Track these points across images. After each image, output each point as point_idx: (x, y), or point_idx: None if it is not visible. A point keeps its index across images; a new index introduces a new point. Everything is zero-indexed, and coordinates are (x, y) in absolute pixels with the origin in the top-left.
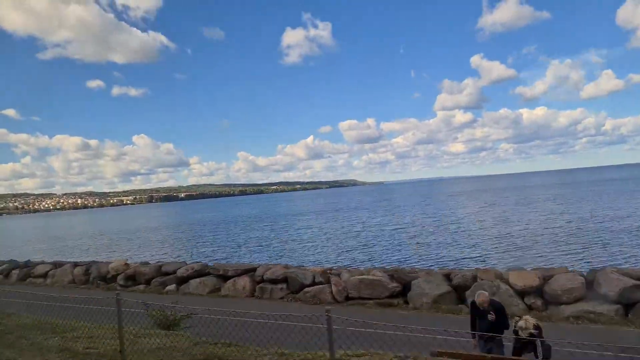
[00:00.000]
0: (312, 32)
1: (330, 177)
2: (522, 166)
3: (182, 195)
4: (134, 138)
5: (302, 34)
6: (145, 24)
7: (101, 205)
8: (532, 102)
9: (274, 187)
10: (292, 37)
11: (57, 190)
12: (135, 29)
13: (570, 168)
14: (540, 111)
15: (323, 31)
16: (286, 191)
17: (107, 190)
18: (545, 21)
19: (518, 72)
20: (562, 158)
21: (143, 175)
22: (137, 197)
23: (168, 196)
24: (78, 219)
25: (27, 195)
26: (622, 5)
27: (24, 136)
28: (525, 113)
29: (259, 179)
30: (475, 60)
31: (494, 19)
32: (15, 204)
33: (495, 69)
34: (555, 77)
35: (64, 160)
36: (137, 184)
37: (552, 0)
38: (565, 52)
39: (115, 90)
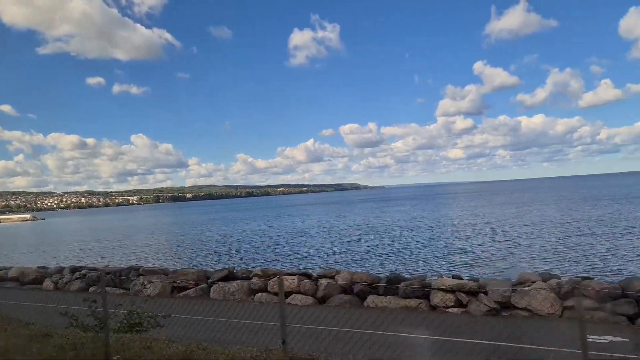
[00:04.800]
0: (320, 33)
1: (329, 180)
2: (517, 173)
3: (189, 195)
4: (133, 137)
5: (309, 35)
6: (149, 20)
7: (106, 205)
8: (532, 110)
9: (280, 189)
10: (299, 38)
11: (51, 188)
12: (139, 25)
13: (563, 176)
14: (538, 119)
15: (331, 33)
16: (292, 193)
17: (102, 190)
18: (551, 29)
19: (520, 80)
20: (556, 166)
21: (140, 175)
22: (143, 197)
23: (175, 196)
24: (134, 219)
25: (26, 193)
26: (625, 16)
27: (18, 133)
28: (523, 120)
29: (257, 181)
30: (478, 66)
31: (502, 25)
32: (16, 202)
33: (498, 76)
34: (555, 85)
35: (58, 159)
36: (133, 184)
37: (559, 8)
38: (566, 61)
39: (116, 88)
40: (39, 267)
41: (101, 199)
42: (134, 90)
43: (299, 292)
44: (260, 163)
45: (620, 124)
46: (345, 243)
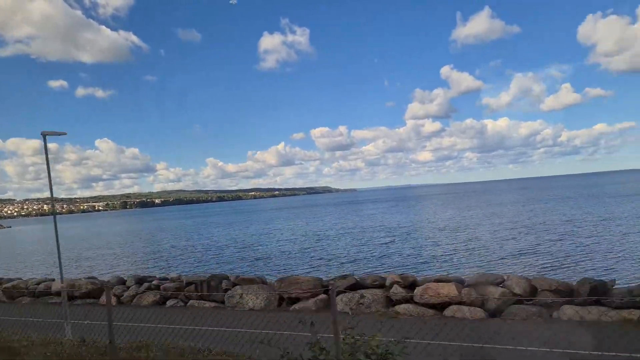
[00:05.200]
0: (290, 37)
1: (300, 184)
2: (484, 175)
3: (158, 201)
4: (97, 142)
5: (279, 39)
6: (115, 22)
7: (70, 212)
8: (497, 113)
9: (252, 193)
10: (269, 42)
11: (10, 195)
12: (104, 27)
13: (528, 177)
14: (503, 122)
15: (301, 37)
16: (264, 197)
17: (65, 196)
18: (514, 35)
19: (485, 84)
20: (521, 167)
21: (105, 181)
22: (109, 203)
23: (143, 202)
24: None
25: None
26: (583, 22)
27: None
28: (489, 123)
29: (228, 185)
30: (445, 71)
31: (467, 31)
32: None
33: (464, 80)
34: (518, 89)
35: (19, 165)
36: (98, 190)
37: (522, 15)
38: (529, 66)
39: (80, 91)
40: (88, 278)
41: (65, 206)
42: (99, 93)
43: (460, 303)
44: (231, 167)
45: (579, 126)
46: (382, 245)
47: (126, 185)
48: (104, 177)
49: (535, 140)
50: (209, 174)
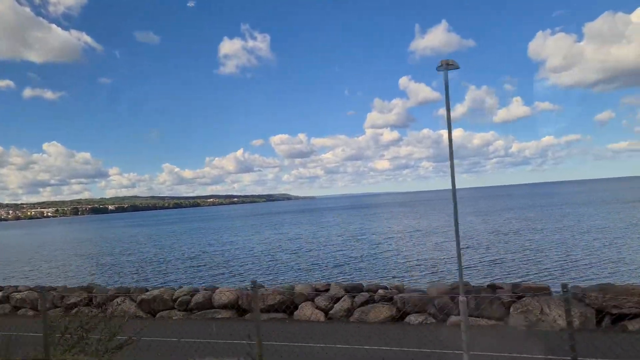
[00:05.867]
0: (250, 43)
1: (259, 190)
2: (439, 184)
3: (111, 207)
4: (45, 146)
5: (239, 44)
6: (67, 21)
7: (17, 218)
8: (452, 124)
9: (210, 199)
10: (229, 47)
11: None
12: (54, 25)
13: (481, 186)
14: (457, 132)
15: (261, 43)
16: (223, 204)
17: (10, 202)
18: (469, 49)
19: (442, 95)
20: (475, 177)
21: (53, 186)
22: (59, 209)
23: (95, 208)
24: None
25: None
26: (533, 39)
27: None
28: (445, 134)
29: (184, 192)
30: (404, 81)
31: (425, 43)
32: None
33: (422, 91)
34: (473, 101)
35: None
36: (46, 195)
37: (476, 30)
38: (482, 79)
39: (28, 92)
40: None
41: (10, 212)
42: (49, 94)
43: None
44: (188, 173)
45: (529, 138)
46: (435, 251)
47: (75, 191)
48: (52, 182)
49: (488, 151)
50: (164, 179)
